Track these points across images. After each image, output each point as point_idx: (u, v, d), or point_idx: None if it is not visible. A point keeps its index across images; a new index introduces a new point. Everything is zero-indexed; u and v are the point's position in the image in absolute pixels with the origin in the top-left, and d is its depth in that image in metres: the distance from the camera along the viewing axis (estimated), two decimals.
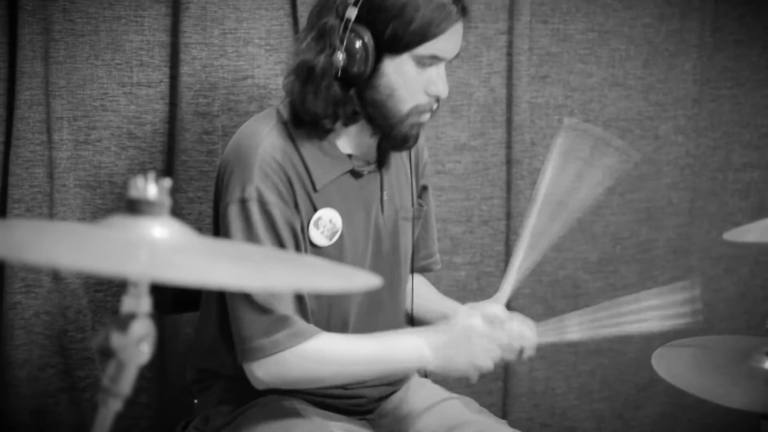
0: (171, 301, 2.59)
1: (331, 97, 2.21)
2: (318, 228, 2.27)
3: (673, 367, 2.20)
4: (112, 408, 1.27)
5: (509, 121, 3.31)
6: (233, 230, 2.19)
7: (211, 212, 2.44)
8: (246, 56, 2.90)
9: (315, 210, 2.27)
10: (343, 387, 2.38)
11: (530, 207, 2.38)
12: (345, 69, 2.19)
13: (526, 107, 3.31)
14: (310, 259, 1.79)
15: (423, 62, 2.21)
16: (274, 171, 2.21)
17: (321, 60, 2.19)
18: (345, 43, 2.17)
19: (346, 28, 2.17)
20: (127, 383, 1.27)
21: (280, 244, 2.20)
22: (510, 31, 3.26)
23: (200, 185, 2.87)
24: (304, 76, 2.22)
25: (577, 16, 3.38)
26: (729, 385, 2.12)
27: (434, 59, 2.22)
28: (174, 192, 2.76)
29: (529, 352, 2.34)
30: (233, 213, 2.20)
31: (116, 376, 1.27)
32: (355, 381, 2.36)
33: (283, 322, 2.17)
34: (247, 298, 2.17)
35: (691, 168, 3.62)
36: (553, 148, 2.37)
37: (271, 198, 2.19)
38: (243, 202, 2.19)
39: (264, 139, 2.24)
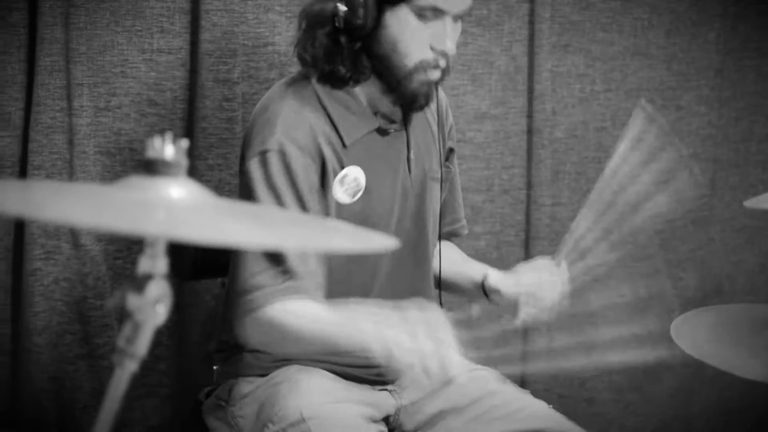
0: (190, 267, 2.59)
1: (332, 47, 2.23)
2: (342, 185, 2.27)
3: (691, 337, 2.19)
4: (128, 369, 1.27)
5: (530, 90, 3.31)
6: (254, 183, 2.19)
7: (230, 179, 2.44)
8: (266, 23, 2.90)
9: (342, 167, 2.27)
10: (366, 356, 2.32)
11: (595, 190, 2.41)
12: (348, 21, 2.20)
13: (547, 76, 3.31)
14: (328, 221, 1.78)
15: (425, 15, 2.20)
16: (299, 126, 2.22)
17: (323, 8, 2.22)
18: None
19: None
20: (143, 344, 1.26)
21: (300, 197, 2.19)
22: None
23: (220, 152, 2.87)
24: (308, 24, 2.25)
25: None
26: (749, 356, 2.11)
27: (436, 11, 2.20)
28: (194, 159, 2.77)
29: (563, 303, 2.32)
30: (254, 166, 2.21)
31: (132, 337, 1.26)
32: (319, 353, 2.31)
33: (289, 272, 2.16)
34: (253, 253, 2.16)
35: (713, 139, 3.61)
36: (626, 131, 2.37)
37: (293, 151, 2.19)
38: (263, 154, 2.20)
39: (289, 96, 2.26)
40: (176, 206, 1.25)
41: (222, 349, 2.46)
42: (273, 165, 2.19)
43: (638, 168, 2.33)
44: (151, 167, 1.30)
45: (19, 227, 2.77)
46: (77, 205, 1.17)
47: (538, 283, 2.38)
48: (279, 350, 2.31)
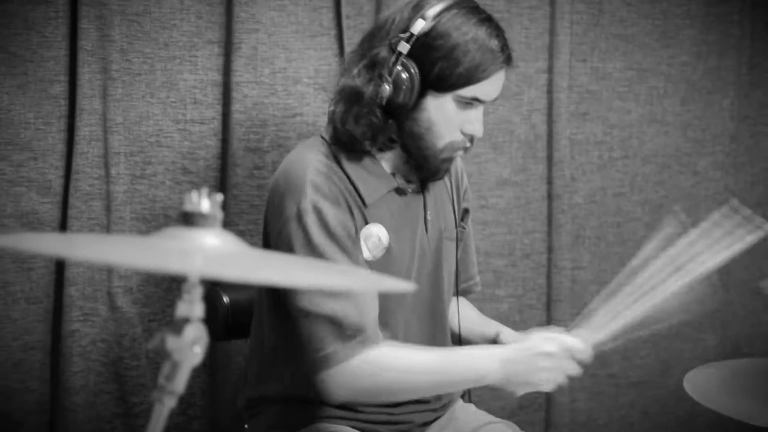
0: (223, 328, 2.65)
1: (371, 123, 2.28)
2: (367, 243, 2.32)
3: (704, 389, 2.24)
4: (167, 405, 1.36)
5: (550, 157, 3.38)
6: (294, 244, 2.23)
7: (260, 244, 2.48)
8: (295, 94, 2.99)
9: (366, 223, 2.33)
10: (389, 412, 2.40)
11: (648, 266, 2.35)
12: (389, 99, 2.25)
13: (566, 143, 3.38)
14: (353, 268, 1.83)
15: (463, 102, 2.27)
16: (325, 184, 2.26)
17: (369, 88, 2.26)
18: (393, 75, 2.24)
19: (396, 61, 2.25)
20: (181, 382, 1.35)
21: (342, 249, 2.24)
22: (550, 70, 3.34)
23: (251, 218, 2.95)
24: (350, 100, 2.29)
25: (615, 54, 3.45)
26: (763, 406, 2.16)
27: (475, 101, 2.28)
28: (226, 225, 2.83)
29: (586, 359, 2.34)
30: (292, 228, 2.24)
31: (171, 375, 1.35)
32: (423, 391, 2.37)
33: (352, 330, 2.21)
34: (312, 311, 2.21)
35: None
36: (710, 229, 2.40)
37: (326, 207, 2.24)
38: (299, 217, 2.24)
39: (311, 161, 2.30)
40: (212, 252, 1.34)
41: (250, 405, 2.51)
42: (311, 225, 2.23)
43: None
44: (188, 219, 1.40)
45: (59, 290, 2.84)
46: (120, 249, 1.26)
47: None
48: (382, 395, 2.33)
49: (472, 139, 2.33)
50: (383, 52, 2.27)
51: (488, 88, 2.28)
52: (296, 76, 2.99)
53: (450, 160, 2.36)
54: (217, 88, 2.95)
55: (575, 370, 2.24)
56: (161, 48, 2.87)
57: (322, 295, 2.20)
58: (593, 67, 3.42)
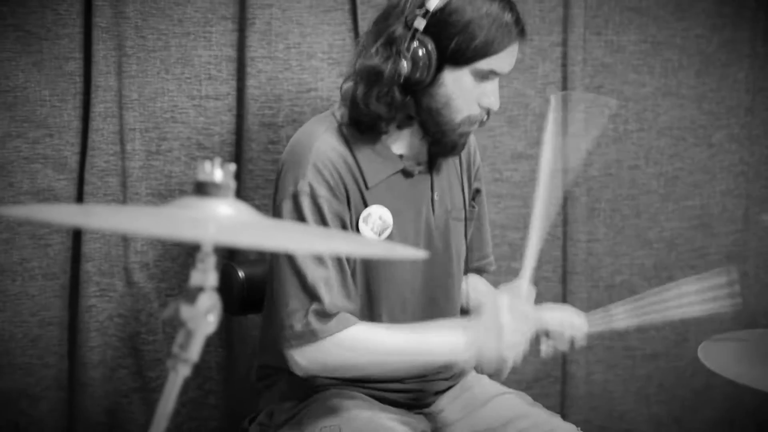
0: (238, 303, 2.66)
1: (393, 101, 2.29)
2: (367, 224, 2.35)
3: (720, 358, 2.24)
4: (181, 373, 1.37)
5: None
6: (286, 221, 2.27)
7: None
8: (309, 69, 3.00)
9: (365, 206, 2.36)
10: (401, 381, 2.44)
11: (537, 186, 2.47)
12: (407, 76, 2.27)
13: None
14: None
15: (480, 76, 2.30)
16: (326, 167, 2.30)
17: (388, 66, 2.27)
18: (411, 52, 2.26)
19: (413, 37, 2.26)
20: (195, 351, 1.37)
21: None
22: (564, 43, 3.34)
23: (266, 193, 2.95)
24: (371, 79, 2.30)
25: (630, 27, 3.44)
26: None
27: (491, 74, 2.31)
28: (241, 200, 2.85)
29: (580, 342, 2.41)
30: (286, 208, 2.30)
31: (185, 344, 1.37)
32: (393, 372, 2.41)
33: (323, 310, 2.26)
34: (290, 285, 2.26)
35: (745, 175, 3.66)
36: (546, 126, 2.45)
37: (322, 192, 2.28)
38: (295, 197, 2.29)
39: (319, 138, 2.34)
40: (225, 222, 1.35)
41: (263, 376, 2.54)
42: (305, 207, 2.28)
43: None
44: (202, 189, 1.41)
45: (76, 266, 2.87)
46: (135, 219, 1.28)
47: (558, 319, 2.46)
48: (350, 373, 2.38)
49: (488, 112, 2.36)
50: (399, 29, 2.28)
51: (503, 60, 2.31)
52: (310, 51, 3.00)
53: (467, 134, 2.38)
54: (232, 63, 2.96)
55: (529, 333, 2.32)
56: (175, 24, 2.88)
57: (302, 272, 2.25)
58: (607, 40, 3.41)
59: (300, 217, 2.28)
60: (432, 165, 2.47)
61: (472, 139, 2.62)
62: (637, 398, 3.58)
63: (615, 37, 3.42)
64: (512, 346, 2.27)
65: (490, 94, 2.33)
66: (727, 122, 3.61)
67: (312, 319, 2.25)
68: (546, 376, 3.42)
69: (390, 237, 2.39)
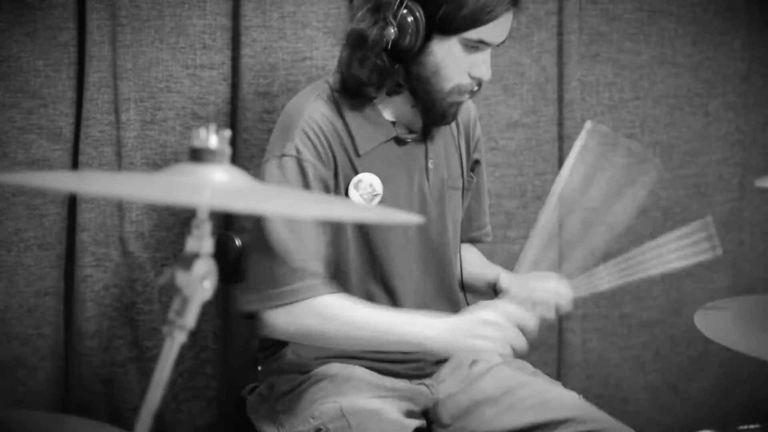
0: (235, 271, 2.66)
1: (376, 66, 2.29)
2: (357, 190, 2.36)
3: (717, 327, 2.24)
4: (177, 340, 1.37)
5: (560, 99, 3.36)
6: (269, 183, 2.27)
7: None
8: (304, 38, 2.99)
9: (356, 173, 2.36)
10: (402, 351, 2.42)
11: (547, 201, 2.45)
12: (395, 43, 2.27)
13: (576, 85, 3.37)
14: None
15: (470, 45, 2.29)
16: (314, 133, 2.31)
17: (373, 31, 2.27)
18: (398, 18, 2.25)
19: (401, 4, 2.25)
20: (191, 317, 1.37)
21: None
22: (560, 11, 3.32)
23: (261, 162, 2.94)
24: (354, 44, 2.31)
25: None
26: None
27: (481, 44, 2.29)
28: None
29: (565, 308, 2.40)
30: (271, 168, 2.31)
31: (181, 310, 1.37)
32: (362, 346, 2.38)
33: (298, 275, 2.26)
34: (266, 248, 2.25)
35: (740, 144, 3.64)
36: (573, 150, 2.41)
37: (308, 156, 2.29)
38: (280, 158, 2.30)
39: (310, 104, 2.35)
40: (220, 187, 1.35)
41: (264, 347, 2.54)
42: (289, 170, 2.29)
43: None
44: (197, 155, 1.41)
45: (71, 236, 2.87)
46: (130, 185, 1.27)
47: (543, 288, 2.44)
48: (319, 341, 2.37)
49: (480, 82, 2.34)
50: None
51: (494, 30, 2.29)
52: (305, 20, 2.99)
53: (458, 103, 2.37)
54: (226, 32, 2.94)
55: (520, 340, 2.25)
56: None
57: (279, 237, 2.24)
58: (603, 9, 3.40)
59: (284, 179, 2.28)
60: (426, 133, 2.46)
61: (472, 110, 2.63)
62: (633, 366, 3.58)
63: (611, 5, 3.41)
64: (484, 343, 2.23)
65: (480, 64, 2.31)
66: (723, 90, 3.60)
67: (285, 282, 2.25)
68: (542, 344, 3.42)
69: (381, 204, 2.38)
